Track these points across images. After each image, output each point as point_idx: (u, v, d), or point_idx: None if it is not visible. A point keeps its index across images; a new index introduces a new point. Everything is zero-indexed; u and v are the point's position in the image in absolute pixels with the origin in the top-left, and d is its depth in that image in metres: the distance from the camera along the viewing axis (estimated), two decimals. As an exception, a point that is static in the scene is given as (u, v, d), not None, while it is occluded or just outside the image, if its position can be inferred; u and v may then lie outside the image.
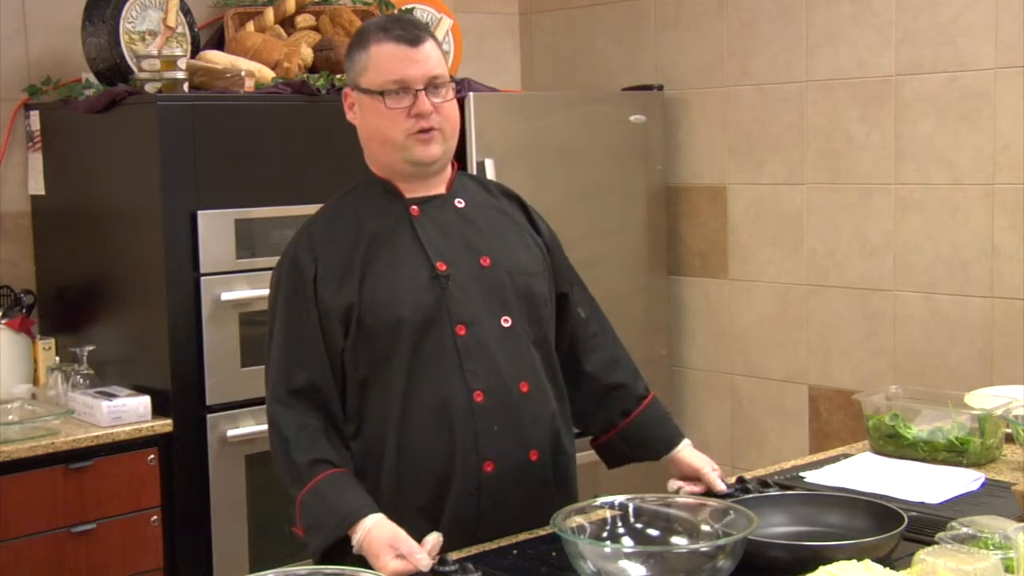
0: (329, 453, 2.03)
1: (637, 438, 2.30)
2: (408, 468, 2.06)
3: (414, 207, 2.12)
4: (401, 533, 1.92)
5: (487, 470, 2.07)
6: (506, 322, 2.11)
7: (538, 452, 2.12)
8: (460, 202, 2.16)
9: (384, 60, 2.05)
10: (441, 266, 2.08)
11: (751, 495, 2.16)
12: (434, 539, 1.91)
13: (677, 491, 2.20)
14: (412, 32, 2.07)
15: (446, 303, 2.06)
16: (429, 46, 2.08)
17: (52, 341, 3.53)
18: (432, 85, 2.06)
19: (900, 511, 1.93)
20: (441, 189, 2.16)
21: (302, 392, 2.06)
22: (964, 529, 1.83)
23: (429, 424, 2.05)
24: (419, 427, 2.05)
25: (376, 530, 1.93)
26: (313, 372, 2.06)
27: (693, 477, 2.25)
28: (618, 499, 1.96)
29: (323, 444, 2.04)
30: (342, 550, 1.98)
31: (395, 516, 1.99)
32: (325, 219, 2.14)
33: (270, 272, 3.28)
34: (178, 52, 3.37)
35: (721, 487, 2.20)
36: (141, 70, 3.32)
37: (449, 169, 2.18)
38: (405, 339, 2.04)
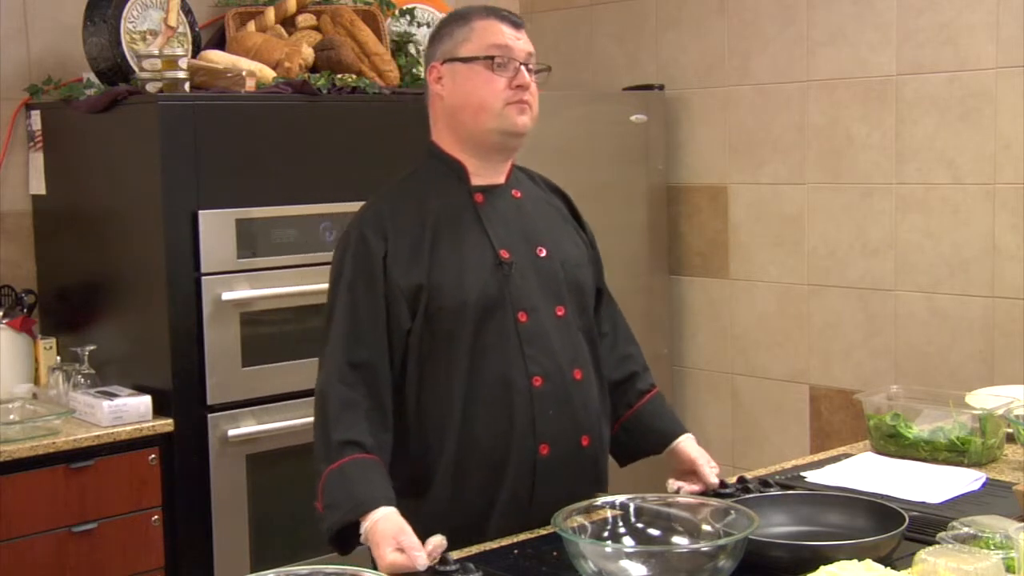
0: (364, 436, 2.05)
1: (637, 431, 2.33)
2: (469, 447, 2.11)
3: (478, 194, 2.17)
4: (407, 528, 1.94)
5: (542, 452, 2.12)
6: (560, 311, 2.18)
7: (588, 438, 2.19)
8: (517, 193, 2.23)
9: (489, 32, 2.14)
10: (504, 254, 2.13)
11: (752, 495, 2.16)
12: (436, 541, 1.91)
13: (677, 491, 2.21)
14: (515, 16, 2.19)
15: (509, 290, 2.12)
16: (526, 33, 2.20)
17: (53, 341, 3.54)
18: (529, 64, 2.16)
19: (901, 511, 1.93)
20: (501, 179, 2.22)
21: (359, 368, 2.08)
22: (965, 529, 1.84)
23: (491, 406, 2.10)
24: (481, 408, 2.10)
25: (383, 522, 1.96)
26: (372, 350, 2.09)
27: (690, 471, 2.26)
28: (619, 499, 1.96)
29: (361, 427, 2.06)
30: (355, 533, 2.01)
31: (453, 494, 2.09)
32: (391, 200, 2.17)
33: (271, 272, 3.34)
34: (179, 52, 3.37)
35: (713, 481, 2.21)
36: (142, 70, 3.32)
37: (510, 160, 2.25)
38: (469, 323, 2.09)
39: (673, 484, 2.25)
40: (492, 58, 2.12)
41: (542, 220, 2.23)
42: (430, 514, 2.08)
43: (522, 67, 2.14)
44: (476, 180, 2.18)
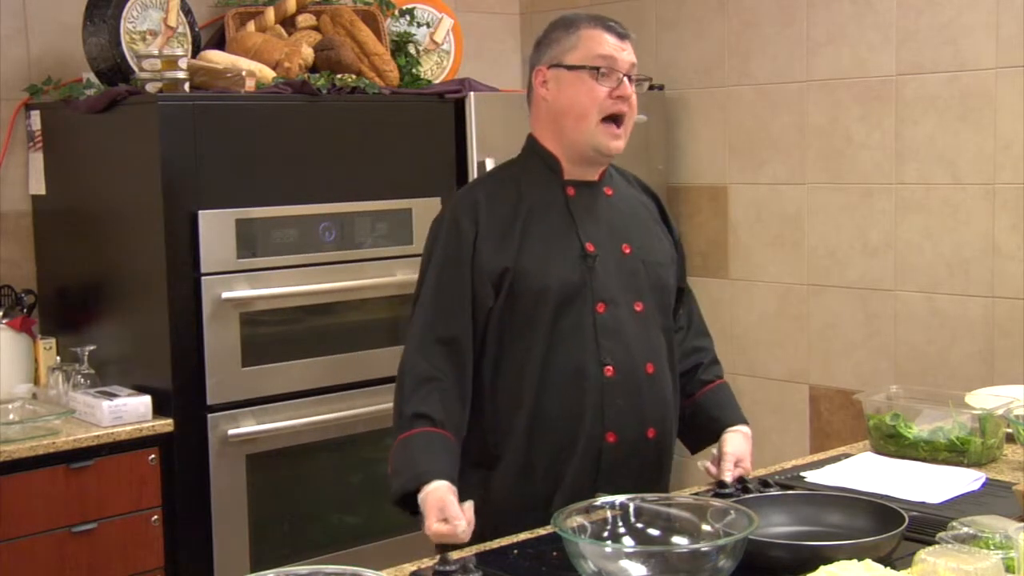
0: (435, 410, 2.16)
1: (696, 420, 2.43)
2: (538, 428, 2.21)
3: (570, 188, 2.28)
4: (451, 499, 2.05)
5: (609, 440, 2.22)
6: (639, 307, 2.27)
7: (655, 431, 2.28)
8: (609, 190, 2.33)
9: (595, 42, 2.23)
10: (590, 247, 2.24)
11: (752, 495, 2.16)
12: (468, 504, 2.06)
13: (704, 468, 2.31)
14: (621, 27, 2.28)
15: (590, 281, 2.22)
16: (631, 44, 2.29)
17: (53, 341, 3.54)
18: (632, 74, 2.26)
19: (901, 511, 1.94)
20: (595, 176, 2.32)
21: (443, 342, 2.20)
22: (965, 529, 1.84)
23: (562, 390, 2.20)
24: (553, 392, 2.20)
25: (433, 493, 2.07)
26: (457, 325, 2.20)
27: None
28: (619, 499, 1.96)
29: (433, 400, 2.17)
30: (414, 499, 2.12)
31: (521, 471, 2.21)
32: (488, 186, 2.30)
33: (270, 272, 3.34)
34: (179, 52, 3.37)
35: (724, 476, 2.26)
36: (142, 70, 3.32)
37: (603, 166, 2.35)
38: (549, 308, 2.19)
39: (702, 464, 2.33)
40: (597, 68, 2.22)
41: (631, 219, 2.34)
42: (499, 487, 2.22)
43: (624, 78, 2.24)
44: (569, 175, 2.29)
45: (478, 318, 2.21)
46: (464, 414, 2.21)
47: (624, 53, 2.25)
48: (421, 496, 2.09)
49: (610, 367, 2.21)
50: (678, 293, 2.43)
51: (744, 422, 2.42)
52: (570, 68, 2.23)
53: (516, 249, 2.20)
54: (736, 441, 2.34)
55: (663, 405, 2.30)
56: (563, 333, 2.20)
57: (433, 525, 2.03)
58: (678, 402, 2.38)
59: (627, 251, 2.28)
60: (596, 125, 2.22)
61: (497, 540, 2.08)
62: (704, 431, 2.42)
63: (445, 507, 2.04)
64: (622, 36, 2.26)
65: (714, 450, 2.36)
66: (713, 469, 2.31)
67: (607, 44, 2.23)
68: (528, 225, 2.22)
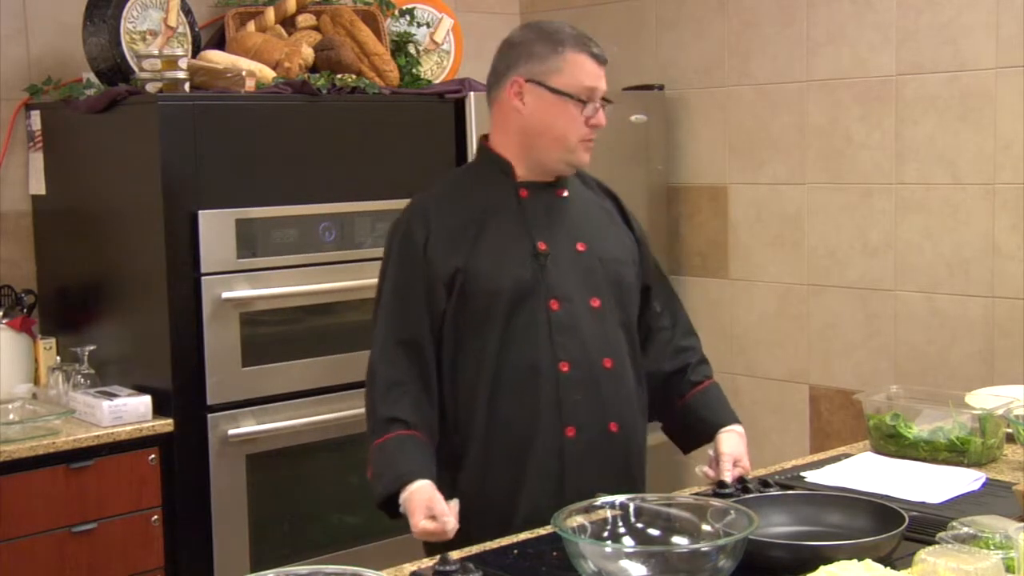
0: (407, 414, 2.22)
1: (688, 421, 2.44)
2: (496, 426, 2.25)
3: (523, 190, 2.31)
4: (437, 496, 2.13)
5: (568, 434, 2.25)
6: (595, 303, 2.30)
7: (618, 425, 2.30)
8: (563, 192, 2.35)
9: (581, 70, 2.25)
10: (542, 246, 2.27)
11: (752, 495, 2.16)
12: (454, 503, 2.15)
13: (702, 473, 2.33)
14: (602, 52, 2.29)
15: (543, 279, 2.25)
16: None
17: (53, 341, 3.54)
18: (604, 100, 2.29)
19: (901, 511, 1.93)
20: (550, 178, 2.35)
21: (404, 344, 2.25)
22: (965, 529, 1.84)
23: (517, 386, 2.24)
24: (508, 390, 2.24)
25: (417, 493, 2.14)
26: (416, 328, 2.25)
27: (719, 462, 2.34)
28: (619, 499, 1.96)
29: (404, 404, 2.23)
30: (396, 502, 2.19)
31: (484, 470, 2.25)
32: (440, 192, 2.35)
33: (271, 272, 3.34)
34: (179, 52, 3.37)
35: (724, 477, 2.27)
36: (142, 70, 3.32)
37: None
38: (502, 307, 2.23)
39: (699, 469, 2.34)
40: (584, 102, 2.24)
41: (585, 219, 2.36)
42: (464, 491, 2.24)
43: (600, 106, 2.27)
44: (522, 178, 2.32)
45: (434, 320, 2.25)
46: (434, 414, 2.27)
47: (601, 82, 2.28)
48: (404, 495, 2.15)
49: (565, 363, 2.24)
50: (646, 290, 2.45)
51: (737, 421, 2.42)
52: (554, 91, 2.24)
53: (467, 250, 2.24)
54: (732, 441, 2.35)
55: (625, 399, 2.32)
56: (517, 331, 2.24)
57: (421, 523, 2.10)
58: (644, 397, 2.40)
59: (581, 249, 2.31)
60: (576, 144, 2.27)
61: (497, 540, 2.08)
62: (696, 432, 2.43)
63: (432, 504, 2.11)
64: (602, 62, 2.28)
65: (710, 451, 2.36)
66: (711, 472, 2.31)
67: (592, 74, 2.25)
68: (480, 227, 2.26)
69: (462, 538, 2.10)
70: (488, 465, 2.26)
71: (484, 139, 2.40)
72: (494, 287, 2.23)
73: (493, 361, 2.24)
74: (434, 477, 2.19)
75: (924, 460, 2.48)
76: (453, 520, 2.09)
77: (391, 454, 2.20)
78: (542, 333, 2.24)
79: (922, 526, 1.98)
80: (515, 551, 2.01)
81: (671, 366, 2.45)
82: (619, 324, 2.34)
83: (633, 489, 2.22)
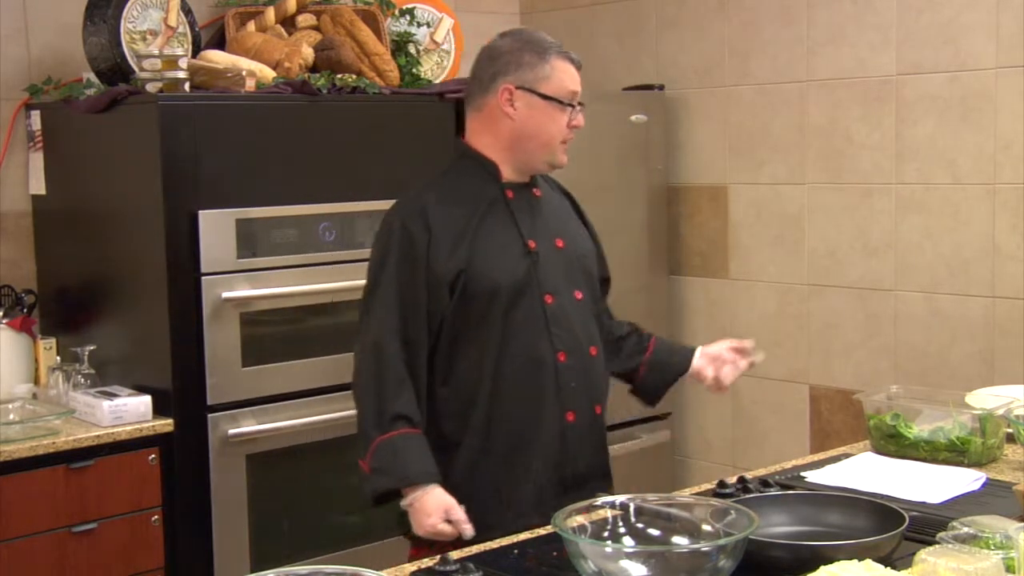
0: (413, 412, 2.30)
1: (661, 362, 2.60)
2: (497, 416, 2.34)
3: (509, 191, 2.41)
4: (454, 502, 2.24)
5: (569, 419, 2.38)
6: (578, 295, 2.44)
7: (600, 407, 2.46)
8: (538, 192, 2.48)
9: (565, 76, 2.40)
10: (531, 244, 2.39)
11: (752, 495, 2.16)
12: (461, 508, 2.25)
13: (714, 382, 2.53)
14: (577, 58, 2.45)
15: (536, 276, 2.37)
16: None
17: (53, 341, 3.53)
18: (579, 104, 2.44)
19: (901, 511, 1.94)
20: (527, 179, 2.46)
21: (408, 343, 2.32)
22: (965, 529, 1.84)
23: (520, 379, 2.34)
24: (511, 381, 2.34)
25: (433, 496, 2.24)
26: (413, 328, 2.32)
27: (718, 357, 2.55)
28: (619, 499, 1.96)
29: (412, 402, 2.30)
30: (394, 495, 2.28)
31: (478, 459, 2.33)
32: (433, 193, 2.41)
33: (271, 272, 3.34)
34: (179, 52, 3.37)
35: (745, 343, 2.53)
36: (142, 70, 3.32)
37: None
38: (500, 304, 2.33)
39: (708, 375, 2.53)
40: (571, 104, 2.39)
41: (557, 216, 2.50)
42: (457, 472, 2.32)
43: (578, 108, 2.42)
44: (507, 178, 2.43)
45: (433, 320, 2.33)
46: (424, 412, 2.35)
47: (579, 86, 2.43)
48: (414, 496, 2.25)
49: (562, 352, 2.37)
50: (604, 282, 2.60)
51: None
52: (544, 97, 2.37)
53: (468, 252, 2.32)
54: (711, 346, 2.57)
55: (604, 383, 2.50)
56: (517, 325, 2.34)
57: (438, 525, 2.22)
58: (608, 380, 2.54)
59: (560, 245, 2.44)
60: (556, 145, 2.40)
61: (498, 540, 2.09)
62: (669, 368, 2.59)
63: (451, 510, 2.23)
64: (579, 66, 2.44)
65: (707, 371, 2.54)
66: (743, 362, 2.55)
67: (574, 79, 2.41)
68: (476, 228, 2.35)
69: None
70: (483, 452, 2.34)
71: (462, 140, 2.47)
72: (494, 286, 2.32)
73: (495, 354, 2.33)
74: (440, 480, 2.27)
75: (924, 460, 2.48)
76: (470, 527, 2.21)
77: (399, 452, 2.27)
78: (540, 326, 2.36)
79: (922, 526, 1.98)
80: (515, 551, 2.01)
81: (621, 331, 2.62)
82: (593, 314, 2.48)
83: (607, 466, 2.48)
